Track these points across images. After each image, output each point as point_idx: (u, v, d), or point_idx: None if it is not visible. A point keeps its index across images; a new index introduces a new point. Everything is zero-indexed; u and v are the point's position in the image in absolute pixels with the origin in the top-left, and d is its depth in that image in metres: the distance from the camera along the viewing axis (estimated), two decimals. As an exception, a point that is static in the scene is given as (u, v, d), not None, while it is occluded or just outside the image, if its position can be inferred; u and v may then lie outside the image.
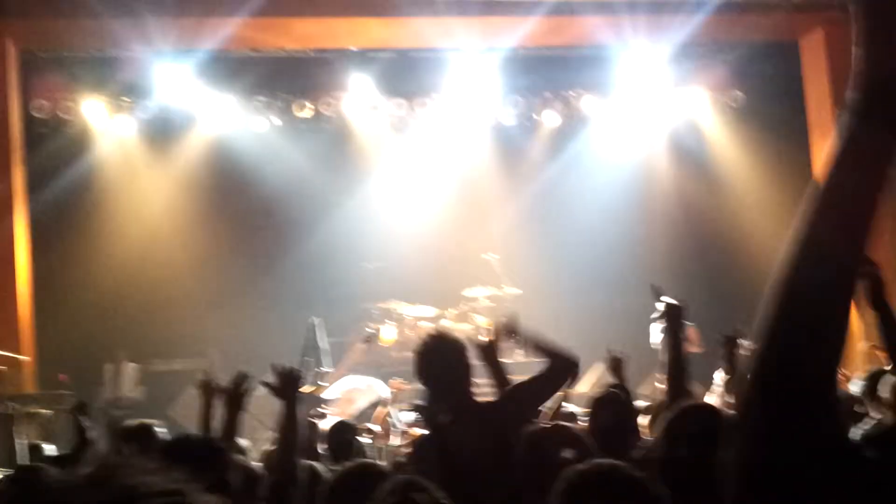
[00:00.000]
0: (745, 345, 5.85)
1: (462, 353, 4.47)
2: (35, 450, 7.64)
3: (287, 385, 4.41)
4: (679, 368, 4.40)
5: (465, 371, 4.41)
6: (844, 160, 1.29)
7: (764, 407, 1.19)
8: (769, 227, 12.97)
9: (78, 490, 0.83)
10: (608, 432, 4.24)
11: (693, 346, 7.97)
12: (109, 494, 0.82)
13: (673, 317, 4.40)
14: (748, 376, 1.23)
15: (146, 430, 5.66)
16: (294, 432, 4.26)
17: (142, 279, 13.73)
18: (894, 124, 1.25)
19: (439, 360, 4.39)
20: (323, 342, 11.40)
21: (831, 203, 1.28)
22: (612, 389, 5.25)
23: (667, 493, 2.95)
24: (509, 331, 4.82)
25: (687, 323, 4.60)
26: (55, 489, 0.83)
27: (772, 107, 13.93)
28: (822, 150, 12.34)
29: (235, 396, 4.76)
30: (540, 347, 4.63)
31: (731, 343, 5.83)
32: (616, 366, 5.64)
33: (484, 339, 4.96)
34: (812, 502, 1.16)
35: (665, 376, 4.45)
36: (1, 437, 9.84)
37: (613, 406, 4.58)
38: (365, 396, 11.03)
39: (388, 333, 13.68)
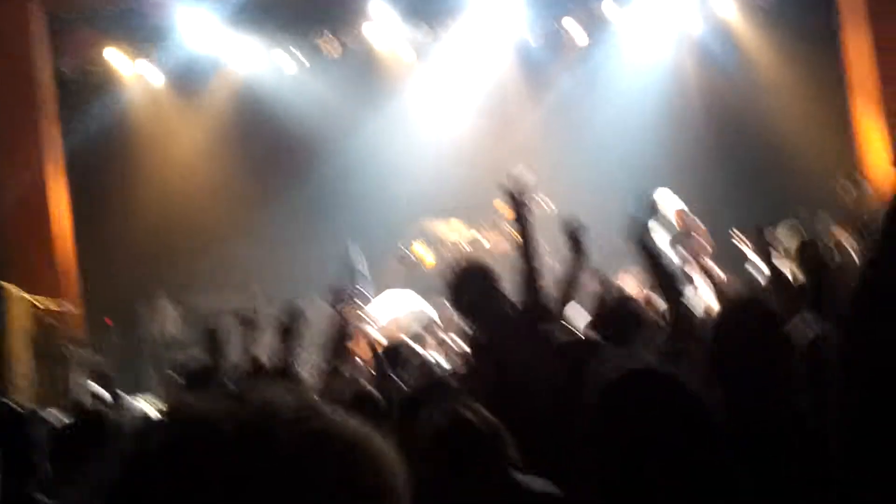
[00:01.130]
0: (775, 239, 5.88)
1: (491, 277, 4.57)
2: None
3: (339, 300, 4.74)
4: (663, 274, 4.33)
5: (496, 293, 4.51)
6: None
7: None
8: (798, 131, 12.79)
9: (219, 409, 0.84)
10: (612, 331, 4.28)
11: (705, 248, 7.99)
12: (252, 409, 0.84)
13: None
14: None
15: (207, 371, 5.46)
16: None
17: (179, 220, 14.00)
18: None
19: (471, 289, 4.48)
20: (360, 265, 11.52)
21: None
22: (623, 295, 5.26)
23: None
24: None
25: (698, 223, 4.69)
26: (198, 413, 0.84)
27: (802, 8, 13.56)
28: (854, 53, 12.13)
29: (290, 328, 4.84)
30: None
31: (761, 235, 5.68)
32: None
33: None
34: None
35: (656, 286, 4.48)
36: (59, 379, 10.14)
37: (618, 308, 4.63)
38: (414, 323, 11.05)
39: (423, 252, 13.78)
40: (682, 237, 8.35)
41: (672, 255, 5.39)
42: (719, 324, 2.99)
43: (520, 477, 2.81)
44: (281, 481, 0.79)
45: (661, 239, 4.55)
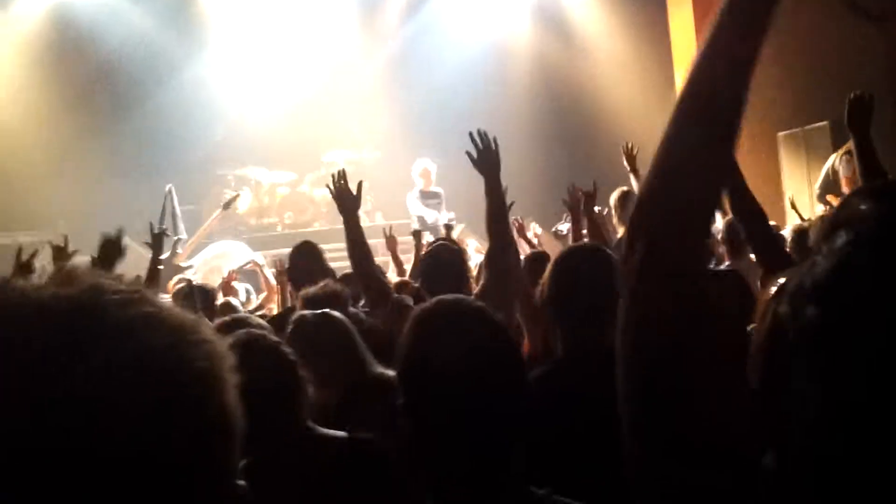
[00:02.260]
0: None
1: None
2: None
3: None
4: (502, 216, 4.22)
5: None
6: None
7: (652, 242, 1.21)
8: (629, 92, 13.10)
9: (41, 288, 0.83)
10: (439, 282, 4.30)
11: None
12: (78, 291, 0.83)
13: (488, 162, 4.26)
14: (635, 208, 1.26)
15: None
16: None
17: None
18: None
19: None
20: (177, 209, 11.09)
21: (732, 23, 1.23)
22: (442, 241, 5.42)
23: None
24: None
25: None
26: (22, 292, 0.83)
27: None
28: (677, 26, 12.52)
29: (106, 260, 4.57)
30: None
31: (588, 197, 5.91)
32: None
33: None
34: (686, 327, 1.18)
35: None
36: None
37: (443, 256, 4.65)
38: (233, 262, 10.76)
39: (246, 200, 13.42)
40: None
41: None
42: (555, 265, 3.11)
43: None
44: (108, 357, 0.79)
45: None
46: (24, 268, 4.88)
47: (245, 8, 14.32)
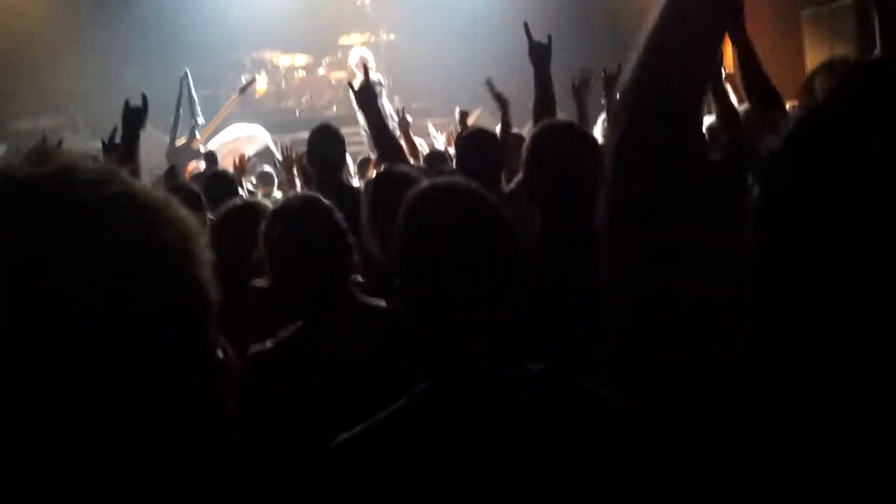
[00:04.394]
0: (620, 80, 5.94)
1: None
2: None
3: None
4: (546, 103, 4.41)
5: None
6: None
7: (636, 122, 1.21)
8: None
9: (16, 167, 0.83)
10: (476, 168, 4.28)
11: None
12: (53, 168, 0.83)
13: (540, 55, 4.45)
14: (624, 97, 1.26)
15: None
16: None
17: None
18: None
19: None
20: (194, 94, 11.07)
21: None
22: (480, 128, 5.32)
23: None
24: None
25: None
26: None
27: None
28: None
29: (130, 126, 4.75)
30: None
31: (609, 80, 5.79)
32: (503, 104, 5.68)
33: (358, 82, 4.94)
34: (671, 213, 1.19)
35: (533, 112, 4.54)
36: None
37: (481, 142, 4.58)
38: (250, 146, 10.80)
39: (262, 83, 13.36)
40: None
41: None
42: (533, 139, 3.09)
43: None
44: (78, 234, 0.80)
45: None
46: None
47: None
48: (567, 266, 2.69)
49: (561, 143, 2.95)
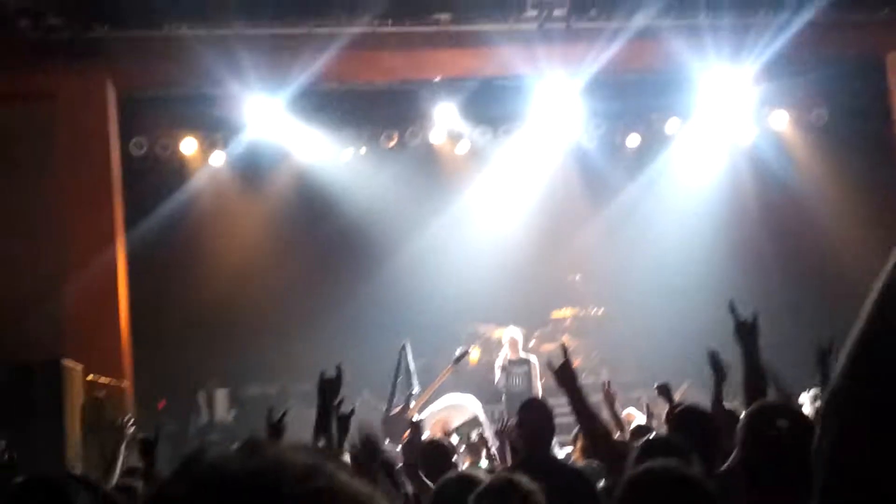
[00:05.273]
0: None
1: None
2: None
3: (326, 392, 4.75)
4: (756, 381, 4.44)
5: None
6: None
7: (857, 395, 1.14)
8: (854, 245, 12.82)
9: (232, 459, 0.89)
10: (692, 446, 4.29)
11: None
12: (262, 462, 0.88)
13: (746, 333, 4.53)
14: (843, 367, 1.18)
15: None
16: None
17: (234, 307, 14.09)
18: None
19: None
20: (411, 364, 11.58)
21: None
22: (691, 405, 5.27)
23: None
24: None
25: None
26: (211, 461, 0.90)
27: (856, 124, 13.76)
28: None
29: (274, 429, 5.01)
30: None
31: (823, 355, 5.71)
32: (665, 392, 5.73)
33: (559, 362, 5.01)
34: None
35: (743, 389, 4.52)
36: (107, 452, 10.05)
37: (698, 420, 4.62)
38: (459, 416, 11.09)
39: (476, 354, 13.80)
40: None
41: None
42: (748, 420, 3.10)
43: None
44: None
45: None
46: (274, 429, 5.10)
47: (475, 174, 15.10)
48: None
49: (780, 423, 2.94)
